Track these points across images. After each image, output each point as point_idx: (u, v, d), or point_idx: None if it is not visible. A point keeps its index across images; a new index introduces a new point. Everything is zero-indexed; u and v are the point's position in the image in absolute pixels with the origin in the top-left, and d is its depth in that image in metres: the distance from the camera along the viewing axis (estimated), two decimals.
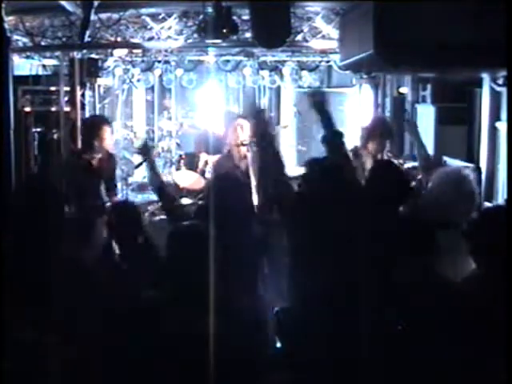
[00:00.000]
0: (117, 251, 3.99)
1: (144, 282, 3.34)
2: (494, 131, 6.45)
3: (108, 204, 6.47)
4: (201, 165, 9.25)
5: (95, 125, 6.40)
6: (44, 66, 9.66)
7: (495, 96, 6.34)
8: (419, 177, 4.84)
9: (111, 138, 6.55)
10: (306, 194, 3.71)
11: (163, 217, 7.84)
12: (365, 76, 8.26)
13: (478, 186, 4.81)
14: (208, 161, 8.56)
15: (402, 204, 3.86)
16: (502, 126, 6.32)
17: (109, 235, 4.13)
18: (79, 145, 7.32)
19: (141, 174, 10.29)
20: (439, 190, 3.90)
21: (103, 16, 6.77)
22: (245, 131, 5.99)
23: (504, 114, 6.26)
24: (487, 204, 5.98)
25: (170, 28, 7.21)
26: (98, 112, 9.24)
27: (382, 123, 5.95)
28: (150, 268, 3.75)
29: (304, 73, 10.28)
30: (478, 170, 6.07)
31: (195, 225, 3.12)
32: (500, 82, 6.11)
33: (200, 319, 2.67)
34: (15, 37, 7.30)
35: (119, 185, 9.23)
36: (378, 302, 3.06)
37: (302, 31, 7.31)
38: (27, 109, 8.53)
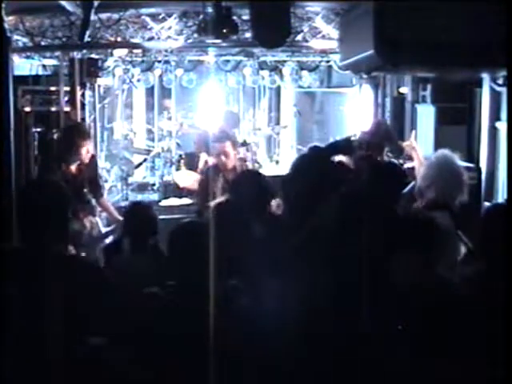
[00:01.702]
0: (127, 248, 4.04)
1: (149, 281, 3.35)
2: (493, 131, 6.46)
3: (93, 203, 6.52)
4: (201, 165, 9.24)
5: (74, 140, 6.31)
6: (44, 66, 9.65)
7: (495, 96, 6.35)
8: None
9: (88, 152, 6.42)
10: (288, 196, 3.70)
11: (163, 217, 7.87)
12: (365, 76, 8.26)
13: (477, 183, 4.95)
14: (208, 161, 8.55)
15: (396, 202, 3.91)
16: (502, 126, 6.33)
17: (122, 232, 4.19)
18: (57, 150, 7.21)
19: (141, 174, 10.30)
20: (427, 172, 4.21)
21: (103, 16, 6.76)
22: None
23: (504, 114, 6.27)
24: (487, 204, 5.99)
25: (170, 28, 7.21)
26: (97, 112, 9.24)
27: (384, 129, 5.98)
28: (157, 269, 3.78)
29: (304, 73, 10.27)
30: (478, 169, 6.08)
31: (195, 223, 3.12)
32: (500, 81, 6.11)
33: (202, 317, 2.67)
34: (15, 37, 7.30)
35: (119, 185, 9.25)
36: (377, 303, 3.05)
37: (302, 31, 7.31)
38: (27, 109, 8.51)
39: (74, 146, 6.26)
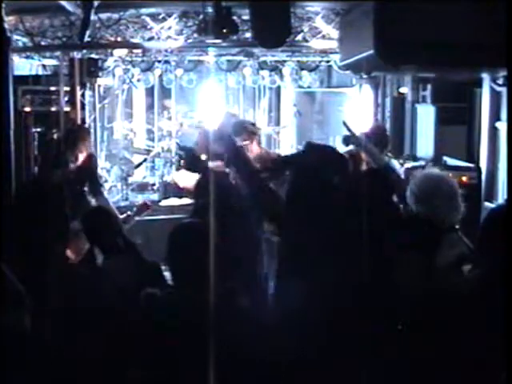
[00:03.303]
0: (99, 255, 4.01)
1: (131, 280, 3.35)
2: (494, 131, 6.46)
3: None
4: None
5: (76, 142, 6.41)
6: (44, 66, 9.66)
7: (495, 96, 6.35)
8: None
9: (88, 150, 6.56)
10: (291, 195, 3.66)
11: (163, 217, 7.88)
12: (365, 76, 8.26)
13: (477, 183, 4.77)
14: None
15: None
16: (502, 126, 6.33)
17: (89, 241, 4.13)
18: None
19: (141, 174, 10.30)
20: (424, 207, 3.57)
21: (103, 16, 6.76)
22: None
23: (504, 114, 6.27)
24: (487, 204, 5.99)
25: (170, 28, 7.21)
26: (97, 112, 9.25)
27: (381, 134, 5.95)
28: (135, 266, 3.77)
29: (304, 73, 10.28)
30: (478, 169, 6.08)
31: (196, 223, 3.12)
32: (500, 81, 6.12)
33: (201, 315, 2.67)
34: (15, 37, 7.30)
35: (119, 185, 9.25)
36: (378, 302, 3.05)
37: (302, 31, 7.31)
38: (27, 109, 8.52)
39: (75, 148, 6.30)
